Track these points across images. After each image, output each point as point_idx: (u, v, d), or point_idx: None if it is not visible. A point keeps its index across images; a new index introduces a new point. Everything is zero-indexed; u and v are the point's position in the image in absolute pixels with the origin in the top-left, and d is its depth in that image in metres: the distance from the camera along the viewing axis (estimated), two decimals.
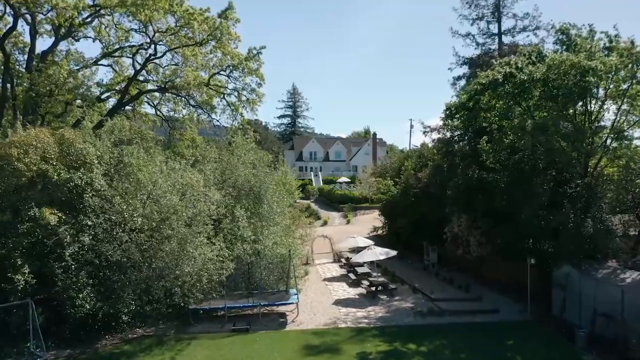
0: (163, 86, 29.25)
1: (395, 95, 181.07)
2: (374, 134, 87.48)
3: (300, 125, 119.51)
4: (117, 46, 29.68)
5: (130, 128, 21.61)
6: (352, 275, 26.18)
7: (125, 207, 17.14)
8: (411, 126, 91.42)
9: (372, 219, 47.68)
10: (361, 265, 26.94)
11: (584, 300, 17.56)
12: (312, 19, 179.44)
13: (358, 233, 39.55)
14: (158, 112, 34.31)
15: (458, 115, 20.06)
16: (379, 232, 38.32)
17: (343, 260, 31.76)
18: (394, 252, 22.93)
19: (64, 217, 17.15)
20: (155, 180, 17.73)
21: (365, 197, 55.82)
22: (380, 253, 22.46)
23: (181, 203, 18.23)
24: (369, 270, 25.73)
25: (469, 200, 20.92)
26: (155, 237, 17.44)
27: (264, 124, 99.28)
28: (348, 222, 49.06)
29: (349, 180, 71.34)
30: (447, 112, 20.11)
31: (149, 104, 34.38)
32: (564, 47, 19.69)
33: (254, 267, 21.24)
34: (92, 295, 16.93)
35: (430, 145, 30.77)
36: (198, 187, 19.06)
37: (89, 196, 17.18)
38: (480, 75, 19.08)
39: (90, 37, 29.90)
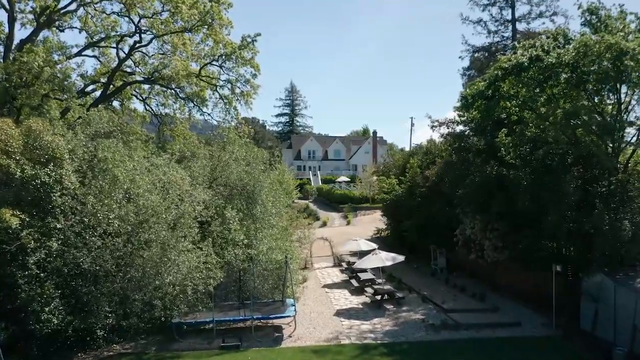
0: (150, 77, 27.05)
1: (395, 95, 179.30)
2: (374, 132, 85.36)
3: (298, 124, 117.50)
4: (102, 35, 27.56)
5: (109, 120, 19.41)
6: (354, 282, 24.03)
7: (99, 207, 15.01)
8: (412, 124, 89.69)
9: (373, 220, 45.80)
10: (364, 270, 24.77)
11: (621, 313, 15.44)
12: (311, 18, 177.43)
13: (359, 234, 37.53)
14: (147, 107, 32.25)
15: (476, 105, 17.92)
16: (381, 234, 36.18)
17: (344, 264, 29.64)
18: (401, 258, 20.80)
19: (28, 219, 14.97)
20: (133, 177, 15.57)
21: (365, 197, 53.71)
22: (386, 258, 20.32)
23: (164, 203, 16.08)
24: (373, 277, 23.59)
25: (486, 200, 18.82)
26: (133, 242, 15.28)
27: (261, 122, 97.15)
28: (348, 223, 46.95)
29: (349, 179, 69.21)
30: (463, 101, 17.97)
31: (137, 98, 32.25)
32: (593, 29, 17.60)
33: (247, 274, 19.10)
34: (60, 308, 14.78)
35: (438, 140, 28.72)
36: (182, 185, 16.91)
37: (58, 195, 15.04)
38: (501, 60, 16.97)
39: (76, 28, 27.85)
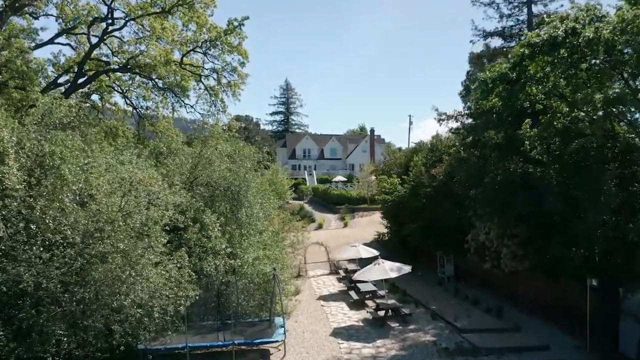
0: (125, 65, 24.28)
1: (392, 95, 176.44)
2: (372, 130, 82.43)
3: (293, 122, 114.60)
4: (77, 21, 24.79)
5: (68, 109, 16.65)
6: (353, 294, 21.36)
7: (49, 212, 12.27)
8: (410, 122, 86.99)
9: (371, 222, 43.38)
10: (364, 280, 22.10)
11: None
12: (309, 17, 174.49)
13: (357, 237, 34.95)
14: (127, 101, 29.50)
15: (496, 91, 15.29)
16: (381, 238, 33.54)
17: (341, 272, 26.98)
18: (407, 268, 18.15)
19: None
20: (86, 177, 12.83)
21: (363, 197, 51.08)
22: (390, 269, 17.67)
23: (126, 207, 13.34)
24: (375, 288, 20.93)
25: (506, 201, 16.21)
26: (86, 255, 12.53)
27: (255, 120, 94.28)
28: (345, 225, 44.29)
29: (346, 179, 66.50)
30: (482, 87, 15.32)
31: (118, 91, 29.49)
32: (632, 3, 14.98)
33: (229, 289, 16.43)
34: (0, 333, 12.09)
35: (445, 136, 26.09)
36: (153, 186, 14.17)
37: None
38: (529, 35, 14.33)
39: (52, 15, 25.14)
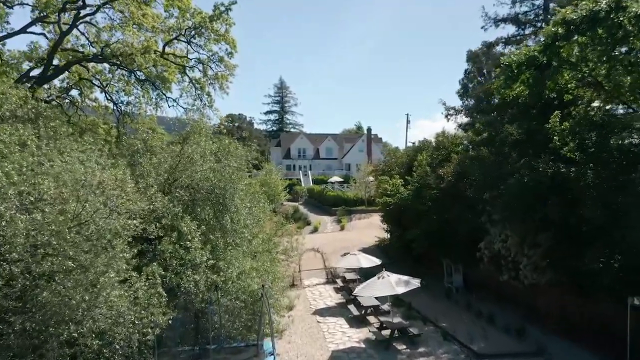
0: (100, 53, 21.92)
1: (387, 94, 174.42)
2: (369, 129, 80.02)
3: (288, 121, 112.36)
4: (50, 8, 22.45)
5: (25, 100, 14.36)
6: (353, 309, 19.09)
7: None
8: (408, 121, 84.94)
9: (369, 224, 41.31)
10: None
11: None
12: (303, 15, 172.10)
13: (355, 241, 33.10)
14: (108, 96, 27.16)
15: (522, 78, 13.11)
16: (382, 243, 31.38)
17: (339, 281, 24.74)
18: (416, 282, 15.91)
19: None
20: (32, 178, 10.53)
21: (361, 198, 48.86)
22: (397, 283, 15.42)
23: (83, 215, 11.04)
24: (377, 302, 18.71)
25: (532, 205, 14.05)
26: (29, 274, 10.23)
27: (248, 119, 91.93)
28: (342, 228, 42.07)
29: (342, 180, 64.19)
30: (507, 73, 13.12)
31: (98, 86, 27.15)
32: None
33: (211, 308, 14.15)
34: None
35: (453, 132, 23.93)
36: (113, 189, 11.88)
37: None
38: (562, 12, 12.19)
39: (27, 4, 22.86)
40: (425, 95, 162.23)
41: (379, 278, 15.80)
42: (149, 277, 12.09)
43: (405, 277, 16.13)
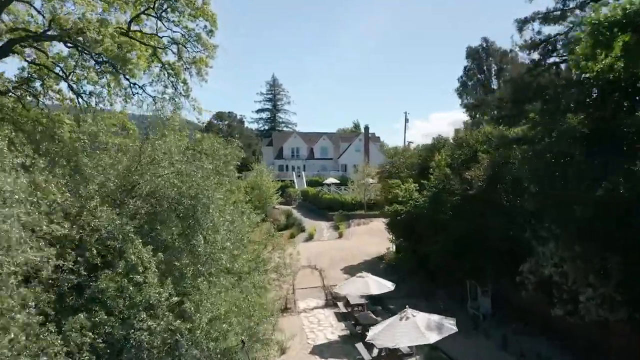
0: (45, 29, 17.72)
1: (383, 94, 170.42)
2: (366, 128, 75.98)
3: (280, 120, 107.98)
4: None
5: None
6: (363, 350, 14.95)
7: None
8: (406, 120, 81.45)
9: (369, 231, 37.84)
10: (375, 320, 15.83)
11: None
12: (300, 14, 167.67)
13: (355, 251, 29.48)
14: (71, 86, 22.95)
15: (616, 43, 9.22)
16: (387, 258, 27.46)
17: (340, 304, 20.71)
18: (451, 325, 11.93)
19: None
20: None
21: (359, 202, 44.90)
22: (426, 327, 11.41)
23: None
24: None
25: (621, 222, 10.16)
26: None
27: (239, 117, 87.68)
28: (340, 235, 38.07)
29: (339, 181, 60.07)
30: (596, 35, 9.16)
31: (61, 76, 22.90)
32: None
33: None
34: None
35: (483, 128, 19.97)
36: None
37: None
38: None
39: None
40: (423, 95, 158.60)
41: (401, 319, 11.78)
42: (69, 339, 8.13)
43: (436, 317, 12.15)
